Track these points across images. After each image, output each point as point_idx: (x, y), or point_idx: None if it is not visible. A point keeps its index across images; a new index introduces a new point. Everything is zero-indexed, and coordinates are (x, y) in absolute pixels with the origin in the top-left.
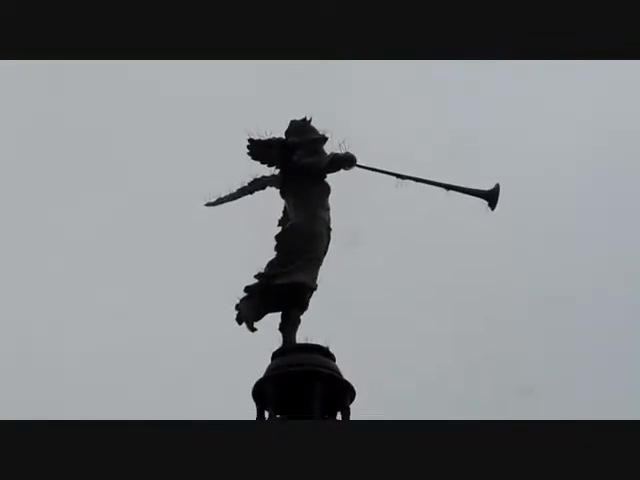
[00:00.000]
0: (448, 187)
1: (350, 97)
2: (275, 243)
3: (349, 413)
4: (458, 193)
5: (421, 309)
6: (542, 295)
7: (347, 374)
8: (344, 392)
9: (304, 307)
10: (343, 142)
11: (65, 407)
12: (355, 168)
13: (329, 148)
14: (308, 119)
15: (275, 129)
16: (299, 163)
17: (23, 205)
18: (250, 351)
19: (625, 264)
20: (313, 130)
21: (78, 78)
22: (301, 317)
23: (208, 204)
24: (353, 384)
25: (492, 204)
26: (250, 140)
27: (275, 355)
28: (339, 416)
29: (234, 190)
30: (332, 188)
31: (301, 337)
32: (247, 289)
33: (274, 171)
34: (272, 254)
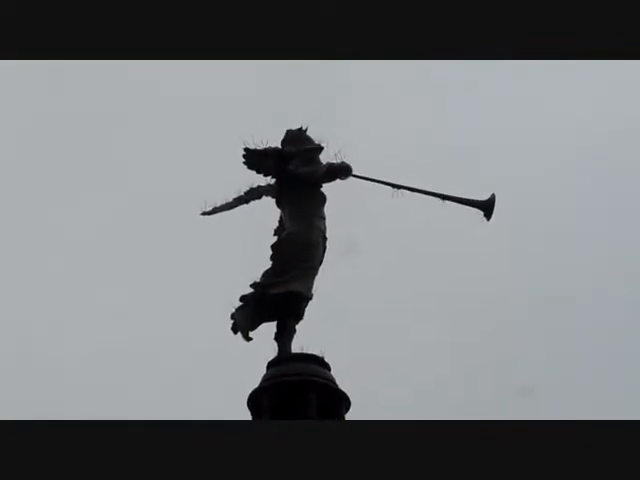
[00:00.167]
0: (444, 197)
1: (350, 97)
2: (271, 252)
3: None
4: (454, 203)
5: (418, 317)
6: (542, 295)
7: (342, 384)
8: (339, 402)
9: (299, 316)
10: (339, 152)
11: (65, 407)
12: (351, 178)
13: (325, 158)
14: (304, 128)
15: (275, 130)
16: (295, 173)
17: (23, 205)
18: (247, 356)
19: (625, 264)
20: (309, 140)
21: (78, 78)
22: (296, 327)
23: (204, 213)
24: (348, 394)
25: (488, 214)
26: (246, 149)
27: (270, 364)
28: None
29: (230, 199)
30: (329, 197)
31: (296, 347)
32: (243, 298)
33: (270, 180)
34: (268, 263)
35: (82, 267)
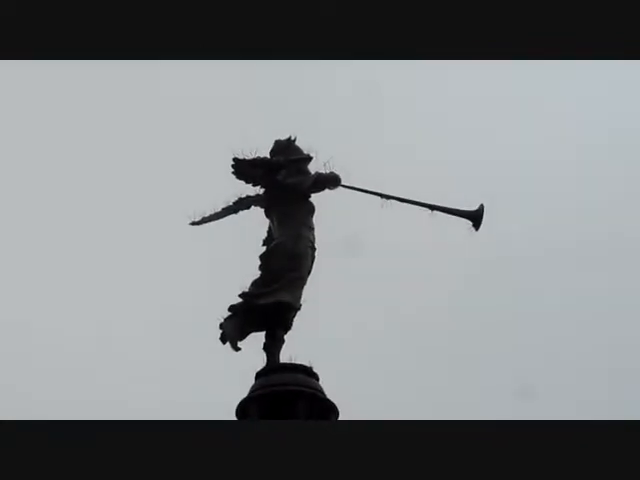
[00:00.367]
0: (432, 207)
1: (350, 97)
2: (259, 262)
3: None
4: (442, 213)
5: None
6: (542, 294)
7: (330, 394)
8: (328, 411)
9: (288, 327)
10: (327, 162)
11: (65, 407)
12: (340, 188)
13: (314, 168)
14: (293, 138)
15: (275, 130)
16: (284, 183)
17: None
18: (236, 366)
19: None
20: (298, 150)
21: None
22: (285, 337)
23: (193, 223)
24: (336, 403)
25: (476, 225)
26: (235, 159)
27: (259, 375)
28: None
29: (219, 209)
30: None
31: (285, 357)
32: (231, 308)
33: (259, 190)
34: (256, 273)
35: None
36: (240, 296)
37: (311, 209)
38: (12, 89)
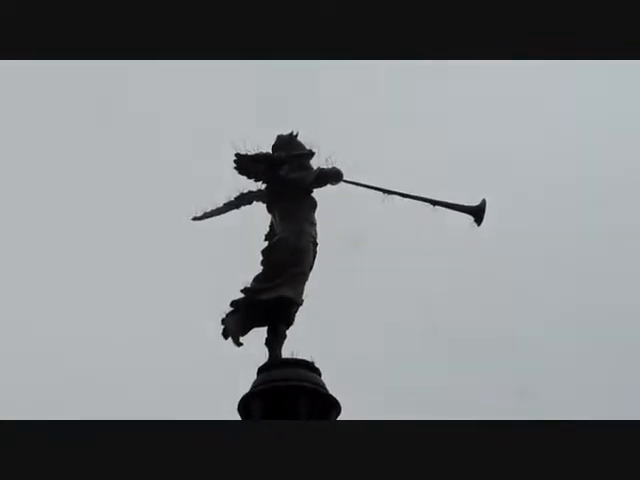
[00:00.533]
0: (434, 203)
1: (350, 97)
2: (261, 258)
3: None
4: (444, 209)
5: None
6: (541, 294)
7: (332, 389)
8: (330, 407)
9: (290, 322)
10: (330, 157)
11: (65, 407)
12: (342, 183)
13: (316, 163)
14: (295, 134)
15: (274, 130)
16: (286, 178)
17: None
18: (238, 361)
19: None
20: (300, 145)
21: (78, 78)
22: (287, 332)
23: (194, 218)
24: (338, 399)
25: (478, 220)
26: (237, 155)
27: (261, 370)
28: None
29: (221, 204)
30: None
31: (287, 352)
32: (233, 304)
33: (261, 186)
34: (258, 269)
35: (75, 271)
36: (242, 291)
37: (313, 204)
38: (12, 89)
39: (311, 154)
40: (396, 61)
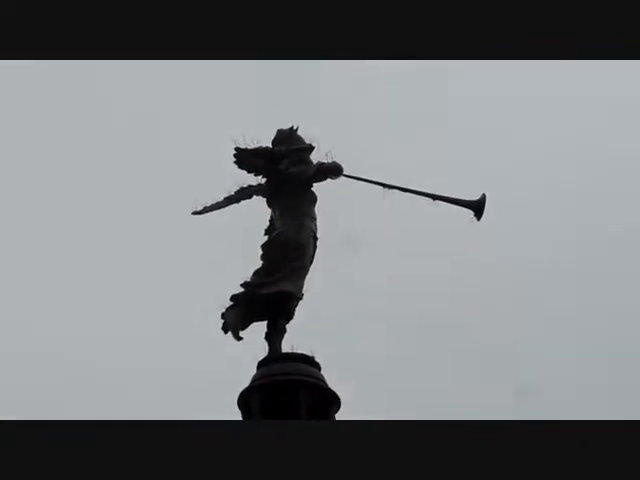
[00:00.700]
0: (434, 197)
1: (350, 97)
2: (261, 252)
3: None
4: (444, 203)
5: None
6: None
7: (333, 383)
8: (330, 401)
9: (290, 316)
10: (329, 151)
11: (65, 407)
12: (342, 178)
13: (316, 157)
14: (295, 128)
15: (267, 129)
16: (285, 172)
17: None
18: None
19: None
20: (300, 139)
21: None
22: (287, 326)
23: (194, 213)
24: (339, 393)
25: (478, 214)
26: (237, 149)
27: (260, 364)
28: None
29: (220, 199)
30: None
31: (287, 346)
32: (233, 298)
33: (261, 180)
34: (258, 263)
35: (74, 264)
36: (242, 285)
37: (313, 199)
38: (12, 89)
39: (311, 148)
40: (396, 61)
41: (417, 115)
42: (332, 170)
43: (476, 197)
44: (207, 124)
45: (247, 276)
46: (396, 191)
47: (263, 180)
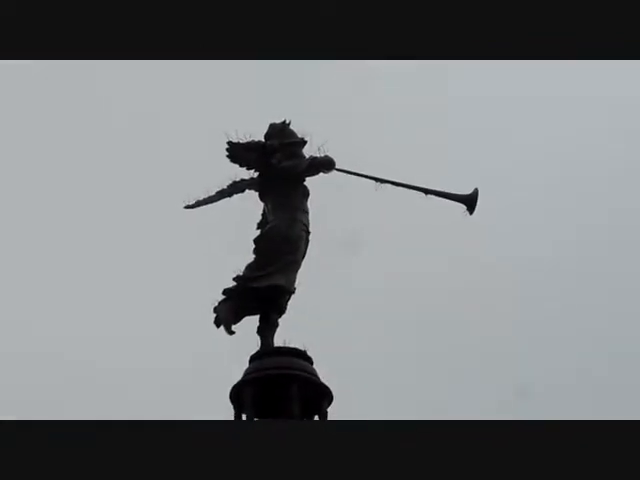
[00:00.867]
0: (427, 191)
1: (350, 97)
2: (254, 246)
3: (326, 416)
4: (437, 197)
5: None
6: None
7: (325, 377)
8: (322, 395)
9: (282, 310)
10: (322, 145)
11: (65, 407)
12: (334, 172)
13: (308, 151)
14: (287, 122)
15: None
16: (278, 166)
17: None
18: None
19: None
20: (292, 133)
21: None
22: (279, 320)
23: (187, 207)
24: (331, 387)
25: (470, 209)
26: (229, 143)
27: (253, 358)
28: (316, 419)
29: (213, 193)
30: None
31: (279, 340)
32: (226, 292)
33: (253, 174)
34: (251, 257)
35: (74, 264)
36: (234, 279)
37: (306, 193)
38: (12, 89)
39: (303, 142)
40: (396, 61)
41: (417, 115)
42: (324, 164)
43: (468, 192)
44: (207, 124)
45: (240, 270)
46: (389, 185)
47: (255, 174)
